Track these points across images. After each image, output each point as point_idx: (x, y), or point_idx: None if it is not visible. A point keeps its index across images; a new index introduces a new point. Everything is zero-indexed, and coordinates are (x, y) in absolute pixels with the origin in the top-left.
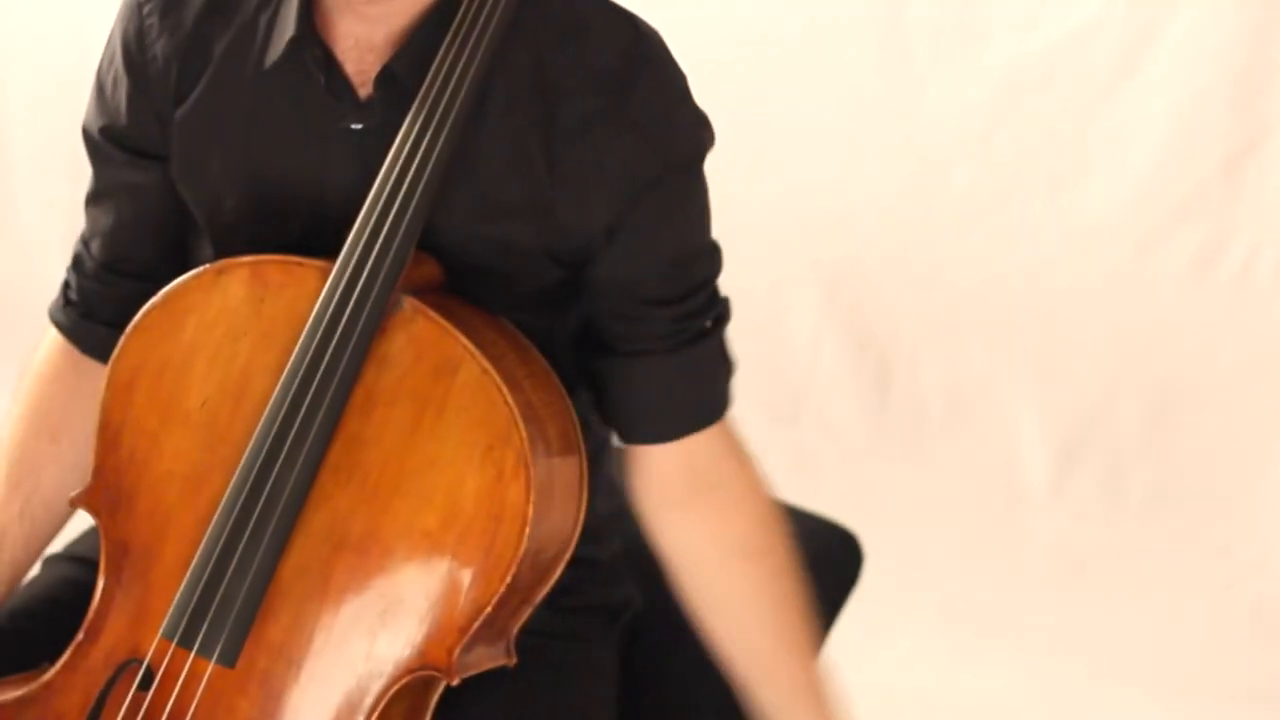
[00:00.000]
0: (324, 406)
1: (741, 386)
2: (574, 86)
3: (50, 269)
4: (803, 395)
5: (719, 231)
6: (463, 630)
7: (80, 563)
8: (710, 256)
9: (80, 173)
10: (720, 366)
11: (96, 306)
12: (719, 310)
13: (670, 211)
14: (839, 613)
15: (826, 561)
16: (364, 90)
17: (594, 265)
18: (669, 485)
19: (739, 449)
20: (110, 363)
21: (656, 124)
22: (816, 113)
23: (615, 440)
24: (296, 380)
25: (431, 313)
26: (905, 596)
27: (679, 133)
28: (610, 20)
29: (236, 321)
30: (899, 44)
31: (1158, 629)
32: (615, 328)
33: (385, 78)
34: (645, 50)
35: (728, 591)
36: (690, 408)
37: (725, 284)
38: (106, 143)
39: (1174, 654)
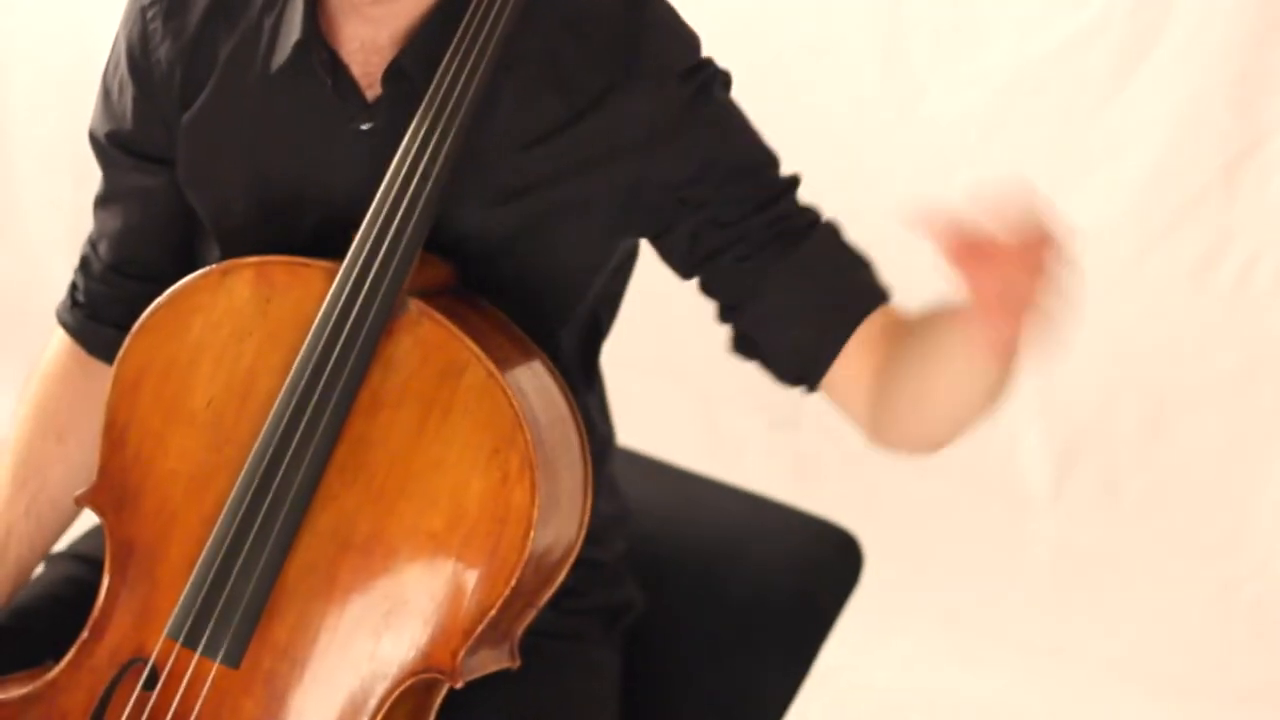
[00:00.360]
0: (330, 407)
1: (740, 390)
2: (586, 62)
3: (55, 271)
4: (802, 398)
5: None
6: (467, 633)
7: (84, 561)
8: (776, 165)
9: (84, 175)
10: (850, 256)
11: (103, 308)
12: (818, 214)
13: (711, 135)
14: (838, 615)
15: (826, 563)
16: (370, 91)
17: (655, 231)
18: (871, 380)
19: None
20: (116, 362)
21: (664, 77)
22: (817, 118)
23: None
24: (302, 381)
25: (438, 315)
26: (905, 599)
27: (687, 82)
28: (613, 4)
29: (242, 322)
30: (899, 48)
31: (1157, 630)
32: (721, 269)
33: (393, 74)
34: (649, 14)
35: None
36: (839, 305)
37: None
38: (113, 148)
39: (1173, 655)
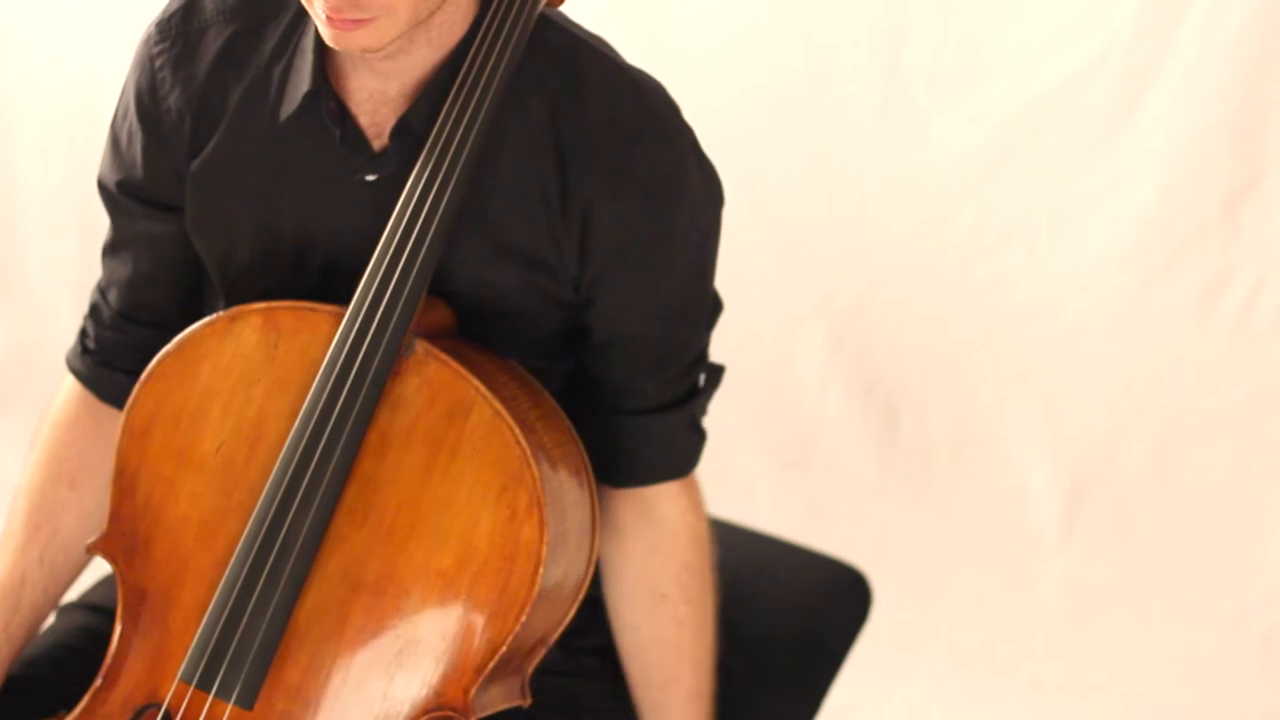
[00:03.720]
0: (338, 449)
1: (750, 431)
2: (584, 140)
3: (62, 328)
4: (811, 438)
5: (724, 279)
6: (479, 670)
7: (96, 611)
8: (700, 324)
9: (90, 231)
10: (695, 433)
11: (113, 354)
12: (706, 377)
13: (665, 271)
14: (849, 653)
15: (836, 602)
16: (378, 142)
17: (592, 314)
18: (619, 519)
19: (693, 494)
20: (125, 409)
21: (657, 182)
22: (819, 157)
23: None
24: (311, 424)
25: (443, 355)
26: (916, 637)
27: (685, 189)
28: (617, 75)
29: (250, 367)
30: (901, 87)
31: (1169, 664)
32: (603, 381)
33: (401, 130)
34: (653, 105)
35: (645, 619)
36: (659, 464)
37: (733, 329)
38: (123, 195)
39: (1185, 690)
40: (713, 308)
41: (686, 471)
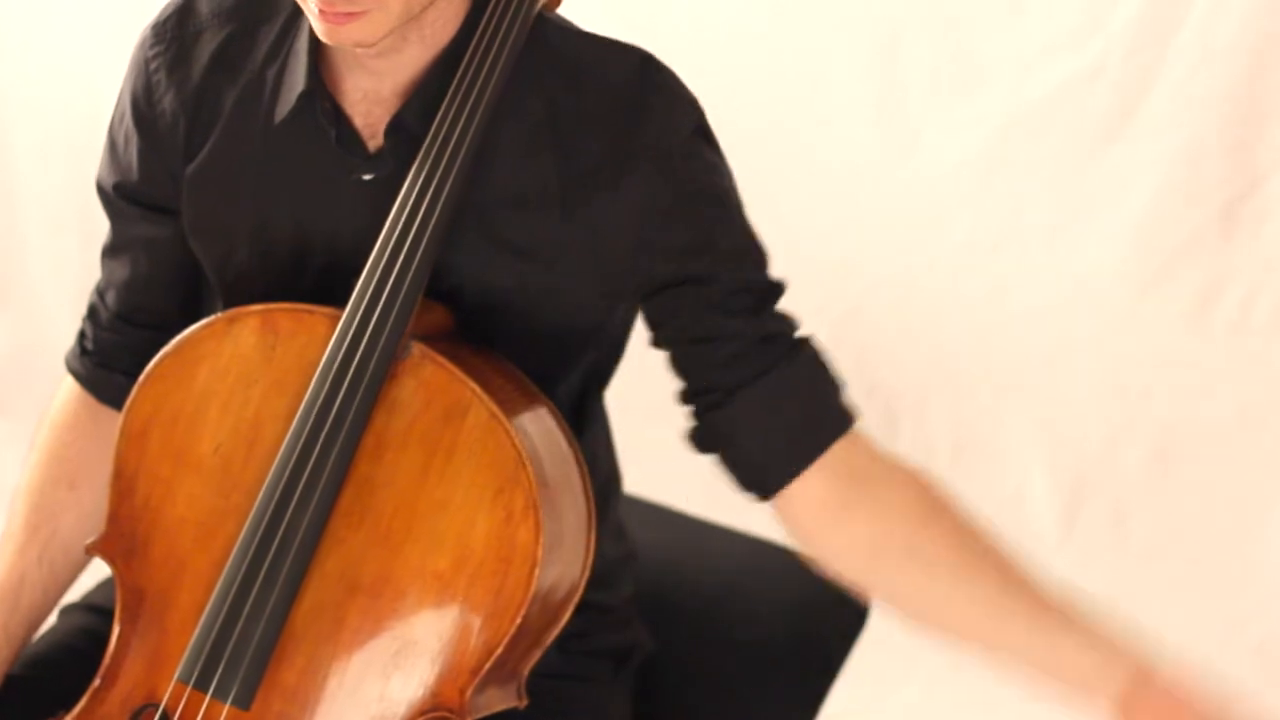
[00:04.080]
0: (335, 451)
1: None
2: (586, 125)
3: (62, 332)
4: None
5: None
6: (474, 671)
7: (97, 612)
8: (767, 261)
9: (90, 235)
10: (828, 380)
11: (112, 356)
12: (798, 327)
13: (713, 213)
14: (846, 658)
15: (832, 606)
16: (373, 142)
17: (645, 294)
18: (821, 507)
19: (873, 448)
20: (124, 411)
21: (670, 151)
22: (815, 164)
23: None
24: (308, 426)
25: (440, 358)
26: (913, 645)
27: (693, 158)
28: (615, 54)
29: (248, 369)
30: (895, 94)
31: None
32: (704, 356)
33: (395, 128)
34: (653, 79)
35: (922, 575)
36: (813, 426)
37: None
38: (120, 199)
39: None
40: (762, 253)
41: (844, 426)
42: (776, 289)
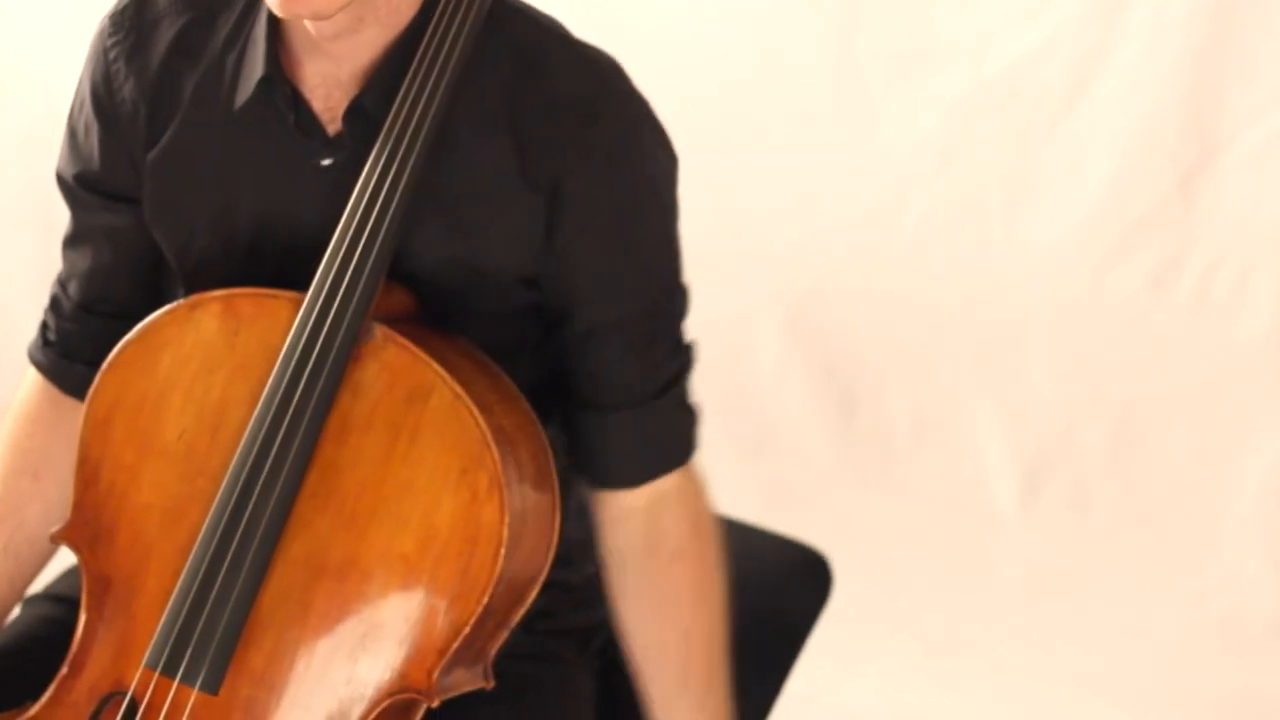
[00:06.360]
0: (299, 435)
1: (708, 418)
2: (541, 115)
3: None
4: (770, 424)
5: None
6: (441, 652)
7: (61, 601)
8: (677, 295)
9: (50, 227)
10: (687, 414)
11: (75, 346)
12: (686, 357)
13: (638, 238)
14: (809, 634)
15: (796, 582)
16: (333, 127)
17: (571, 295)
18: (630, 521)
19: (694, 478)
20: (87, 400)
21: (620, 150)
22: (773, 144)
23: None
24: (271, 410)
25: (403, 340)
26: (877, 620)
27: (644, 158)
28: (569, 51)
29: (211, 355)
30: (852, 73)
31: (1129, 645)
32: (591, 379)
33: (354, 112)
34: (606, 78)
35: (651, 586)
36: (659, 455)
37: (690, 316)
38: (81, 188)
39: (1146, 669)
40: (684, 295)
41: (686, 458)
42: (680, 338)
